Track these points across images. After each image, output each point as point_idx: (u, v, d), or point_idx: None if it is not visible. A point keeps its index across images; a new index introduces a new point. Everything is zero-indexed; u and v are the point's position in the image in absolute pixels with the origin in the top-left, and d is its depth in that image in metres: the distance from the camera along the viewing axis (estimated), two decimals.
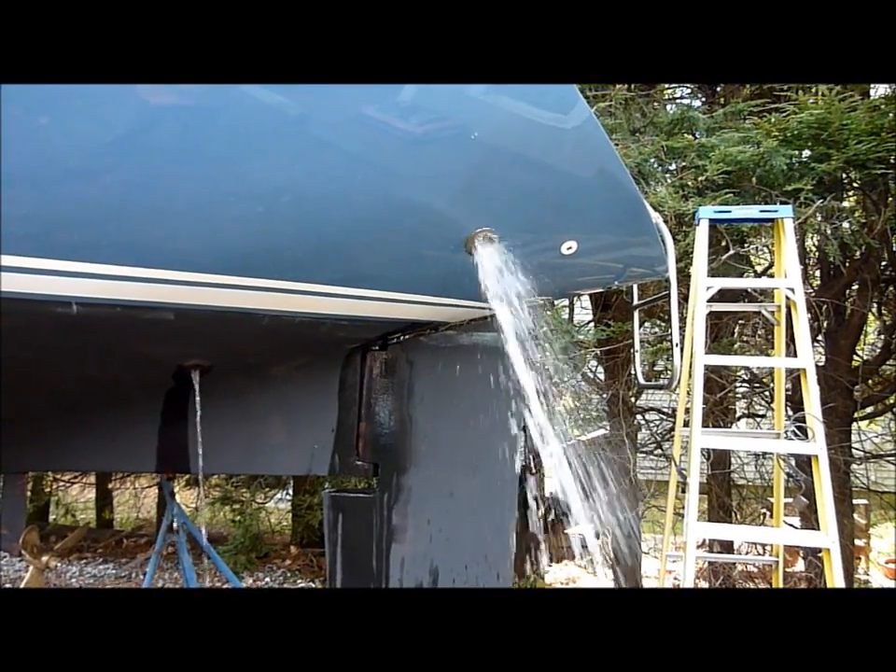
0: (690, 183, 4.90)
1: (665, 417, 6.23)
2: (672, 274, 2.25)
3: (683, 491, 3.24)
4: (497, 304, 1.80)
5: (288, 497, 7.19)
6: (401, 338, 2.21)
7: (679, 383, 2.68)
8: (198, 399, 1.92)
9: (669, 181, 4.78)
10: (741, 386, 6.35)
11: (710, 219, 2.98)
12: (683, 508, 3.38)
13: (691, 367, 2.85)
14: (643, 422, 6.23)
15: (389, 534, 2.15)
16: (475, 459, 2.20)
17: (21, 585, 2.39)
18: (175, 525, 3.49)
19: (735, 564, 5.72)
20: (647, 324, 5.98)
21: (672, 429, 6.08)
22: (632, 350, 2.90)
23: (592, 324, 5.94)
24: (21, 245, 1.46)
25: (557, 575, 7.35)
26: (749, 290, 4.47)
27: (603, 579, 7.13)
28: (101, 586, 5.96)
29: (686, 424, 3.08)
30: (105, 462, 2.56)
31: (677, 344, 2.38)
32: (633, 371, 5.19)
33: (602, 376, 6.30)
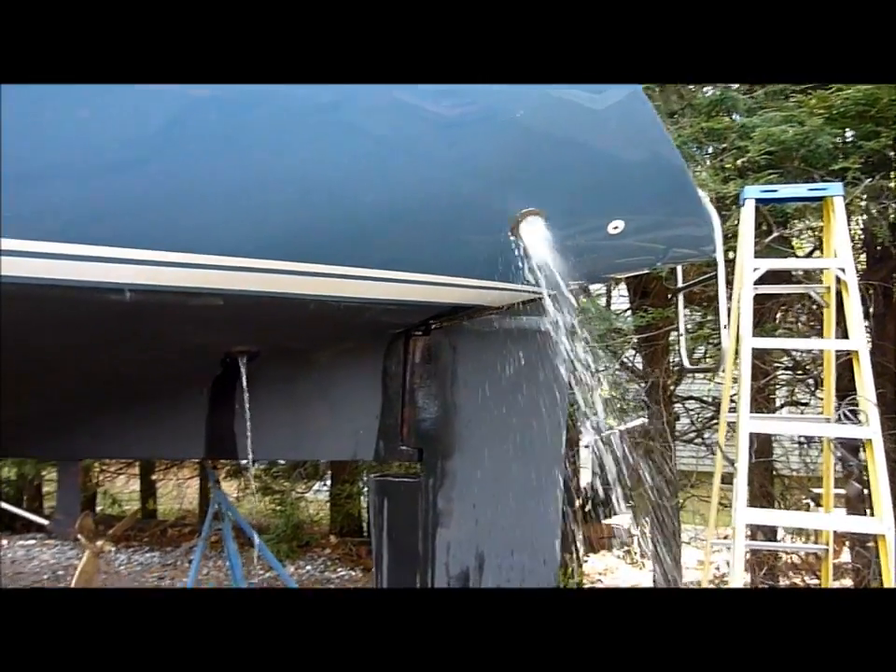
0: (730, 165, 4.80)
1: (705, 406, 6.12)
2: (719, 254, 2.20)
3: (724, 482, 3.18)
4: (543, 287, 1.78)
5: (325, 488, 7.28)
6: (444, 323, 2.20)
7: (725, 365, 2.63)
8: (245, 385, 1.94)
9: (709, 163, 4.68)
10: (783, 374, 6.21)
11: (756, 199, 2.90)
12: (726, 497, 3.32)
13: (737, 351, 2.80)
14: (683, 411, 6.14)
15: (435, 518, 2.15)
16: (520, 444, 2.19)
17: (77, 569, 2.46)
18: (220, 512, 3.56)
19: (779, 555, 5.61)
20: (686, 310, 5.87)
21: (713, 418, 5.97)
22: (676, 334, 2.85)
23: (629, 311, 5.86)
24: (76, 232, 1.49)
25: (595, 565, 7.30)
26: (793, 274, 4.36)
27: (642, 569, 7.07)
28: (148, 573, 6.11)
29: (732, 409, 3.02)
30: (155, 449, 2.61)
31: (724, 326, 2.33)
32: (678, 356, 5.12)
33: (640, 365, 6.22)
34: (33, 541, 7.41)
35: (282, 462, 6.57)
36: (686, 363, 2.89)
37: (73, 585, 2.44)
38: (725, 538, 3.34)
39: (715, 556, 6.26)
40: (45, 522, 2.47)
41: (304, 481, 6.72)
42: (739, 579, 2.46)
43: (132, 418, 2.27)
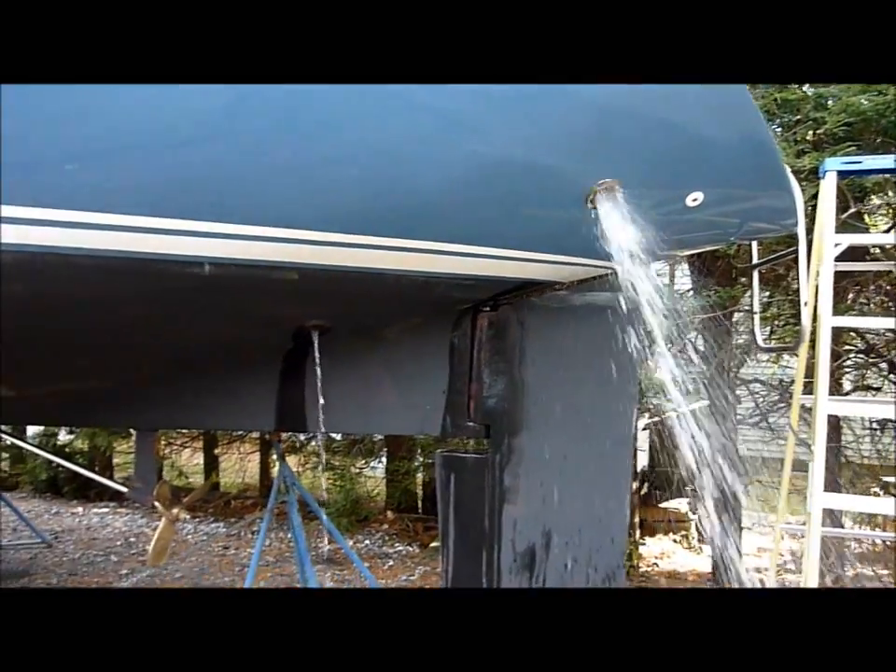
0: (805, 137, 4.61)
1: (771, 388, 5.94)
2: (801, 228, 2.11)
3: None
4: (618, 261, 1.74)
5: (380, 465, 7.40)
6: (512, 298, 2.17)
7: (804, 344, 2.52)
8: (318, 359, 1.97)
9: (783, 136, 4.50)
10: (856, 357, 5.97)
11: (838, 171, 2.76)
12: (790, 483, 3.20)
13: (813, 330, 2.69)
14: (747, 394, 5.97)
15: (501, 495, 2.14)
16: (589, 422, 2.16)
17: (154, 536, 2.57)
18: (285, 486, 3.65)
19: (846, 543, 5.44)
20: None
21: (779, 401, 5.79)
22: (750, 312, 2.76)
23: (692, 291, 5.72)
24: (156, 206, 1.52)
25: (652, 549, 7.22)
26: (870, 252, 4.16)
27: (699, 554, 6.96)
28: (214, 543, 6.34)
29: (808, 391, 2.91)
30: (227, 421, 2.69)
31: (805, 303, 2.24)
32: (742, 337, 4.98)
33: (702, 346, 6.06)
34: (106, 509, 7.78)
35: (338, 437, 6.70)
36: (760, 342, 2.79)
37: (150, 551, 2.55)
38: (788, 524, 3.24)
39: (781, 542, 6.06)
40: (124, 489, 2.57)
41: (362, 457, 6.85)
42: (814, 565, 2.38)
43: (205, 390, 2.33)
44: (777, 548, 3.32)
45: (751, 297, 2.77)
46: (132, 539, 6.49)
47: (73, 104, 1.39)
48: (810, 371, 3.22)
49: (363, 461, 7.00)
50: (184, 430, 7.58)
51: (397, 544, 6.22)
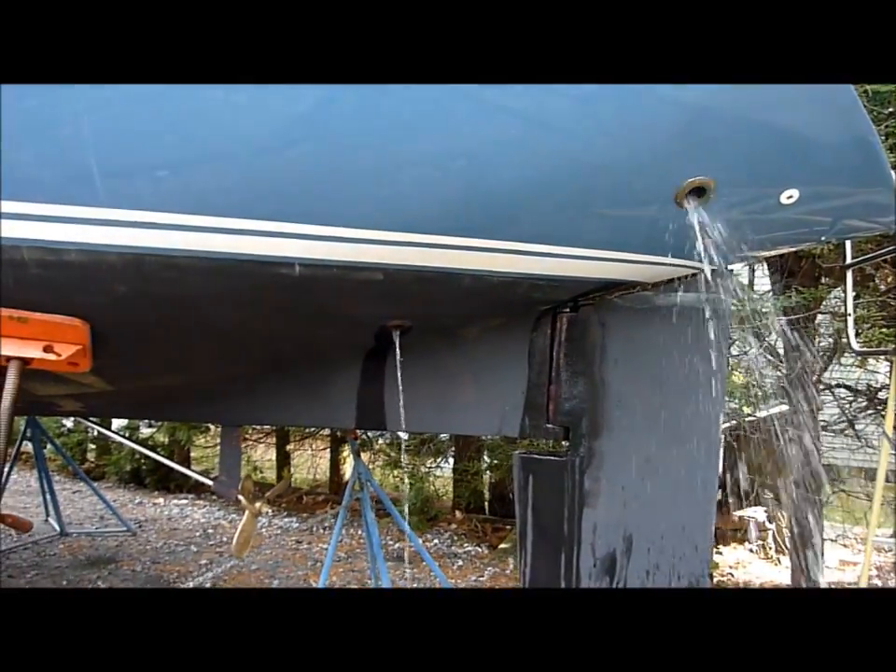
0: None
1: (858, 394, 5.65)
2: None
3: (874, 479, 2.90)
4: (706, 261, 1.69)
5: (447, 465, 7.42)
6: (593, 299, 2.15)
7: None
8: (399, 358, 1.99)
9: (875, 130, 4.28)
10: None
11: None
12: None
13: None
14: (832, 399, 5.70)
15: (581, 498, 2.12)
16: (673, 425, 2.10)
17: (238, 528, 2.66)
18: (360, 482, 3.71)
19: None
20: (837, 290, 5.44)
21: (866, 408, 5.51)
22: (844, 314, 2.63)
23: (772, 293, 5.50)
24: (247, 209, 1.57)
25: (727, 558, 6.99)
26: None
27: (777, 565, 6.70)
28: (287, 537, 6.51)
29: None
30: (309, 418, 2.76)
31: None
32: (824, 340, 4.77)
33: (784, 349, 5.83)
34: (185, 501, 8.10)
35: (405, 436, 6.77)
36: (854, 345, 2.66)
37: (234, 542, 2.64)
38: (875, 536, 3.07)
39: (859, 557, 5.79)
40: (209, 482, 2.68)
41: (431, 456, 6.90)
42: None
43: (289, 388, 2.40)
44: (868, 561, 3.15)
45: (844, 298, 2.64)
46: (209, 531, 6.74)
47: (167, 112, 1.46)
48: None
49: (432, 460, 7.06)
50: (259, 426, 7.82)
51: (465, 544, 6.22)
